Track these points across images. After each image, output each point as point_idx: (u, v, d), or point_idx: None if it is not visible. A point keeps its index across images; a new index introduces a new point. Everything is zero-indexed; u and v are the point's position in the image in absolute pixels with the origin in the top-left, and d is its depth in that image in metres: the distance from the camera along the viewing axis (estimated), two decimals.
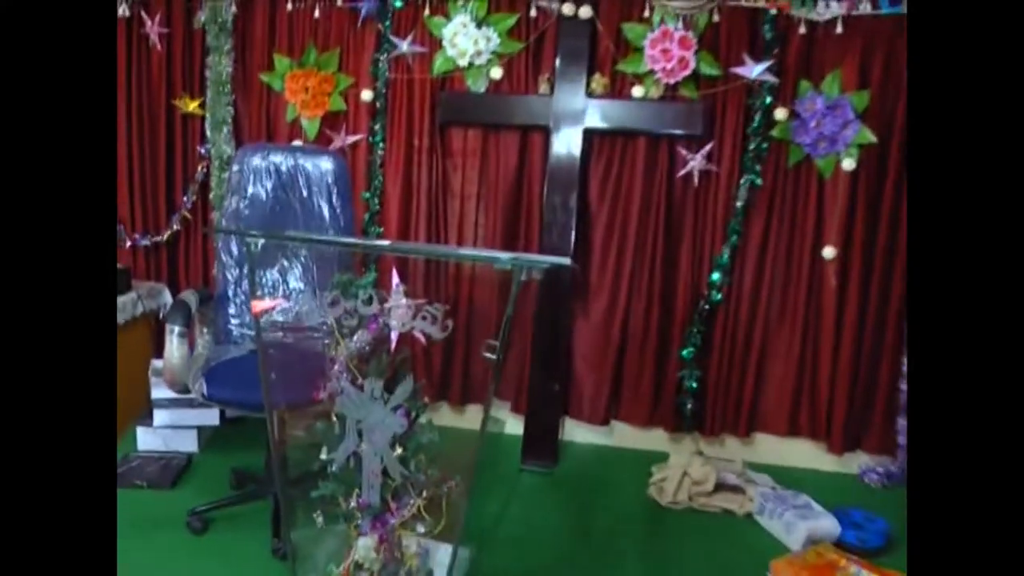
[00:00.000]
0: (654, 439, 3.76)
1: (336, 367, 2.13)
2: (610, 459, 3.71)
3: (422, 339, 2.07)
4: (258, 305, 2.24)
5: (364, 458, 2.13)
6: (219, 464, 3.32)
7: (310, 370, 2.85)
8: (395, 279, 2.10)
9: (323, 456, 2.23)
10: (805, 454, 3.66)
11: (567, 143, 3.45)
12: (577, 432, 3.84)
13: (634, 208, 3.54)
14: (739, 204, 3.45)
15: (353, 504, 2.24)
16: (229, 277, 3.06)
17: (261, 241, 2.08)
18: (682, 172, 3.48)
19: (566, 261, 1.95)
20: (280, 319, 3.06)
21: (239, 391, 2.68)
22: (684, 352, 3.59)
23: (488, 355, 2.08)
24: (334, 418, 2.24)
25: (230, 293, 3.07)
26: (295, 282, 3.08)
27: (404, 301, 2.05)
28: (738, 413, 3.66)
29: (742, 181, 3.44)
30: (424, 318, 2.00)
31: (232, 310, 3.07)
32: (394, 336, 2.09)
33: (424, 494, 2.22)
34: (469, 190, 3.67)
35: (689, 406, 3.61)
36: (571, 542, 2.97)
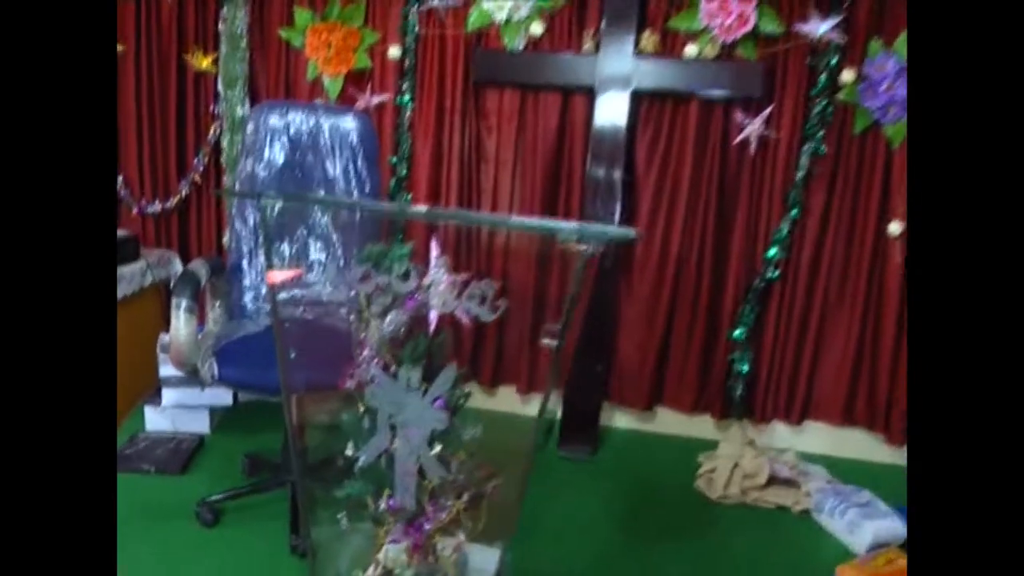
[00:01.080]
0: (700, 426, 3.42)
1: (366, 352, 1.80)
2: (653, 447, 3.37)
3: (465, 321, 1.73)
4: (275, 276, 1.92)
5: (397, 457, 1.80)
6: (232, 447, 3.01)
7: (331, 350, 2.52)
8: (434, 250, 1.76)
9: (349, 452, 1.91)
10: (860, 445, 3.32)
11: (613, 106, 3.07)
12: (617, 417, 3.50)
13: (684, 177, 3.18)
14: (800, 174, 3.08)
15: (383, 507, 1.92)
16: (243, 246, 2.72)
17: (279, 204, 1.73)
18: (738, 139, 3.11)
19: (631, 232, 1.61)
20: (299, 293, 2.72)
21: (254, 372, 2.34)
22: (736, 333, 3.24)
23: (548, 341, 1.74)
24: (360, 408, 1.92)
25: (244, 264, 2.73)
26: (315, 253, 2.74)
27: (447, 277, 1.71)
28: (791, 399, 3.32)
29: (804, 149, 3.07)
30: (471, 297, 1.66)
31: (247, 282, 2.74)
32: (433, 317, 1.75)
33: (465, 496, 1.90)
34: (505, 155, 3.30)
35: (739, 391, 3.27)
36: (615, 539, 2.64)
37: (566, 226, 1.62)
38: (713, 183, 3.16)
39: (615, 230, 1.68)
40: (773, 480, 3.00)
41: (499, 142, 3.29)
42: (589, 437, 3.22)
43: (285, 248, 2.71)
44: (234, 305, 2.76)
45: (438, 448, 1.81)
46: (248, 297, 2.74)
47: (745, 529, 2.77)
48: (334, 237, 2.71)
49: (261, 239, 2.64)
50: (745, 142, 3.11)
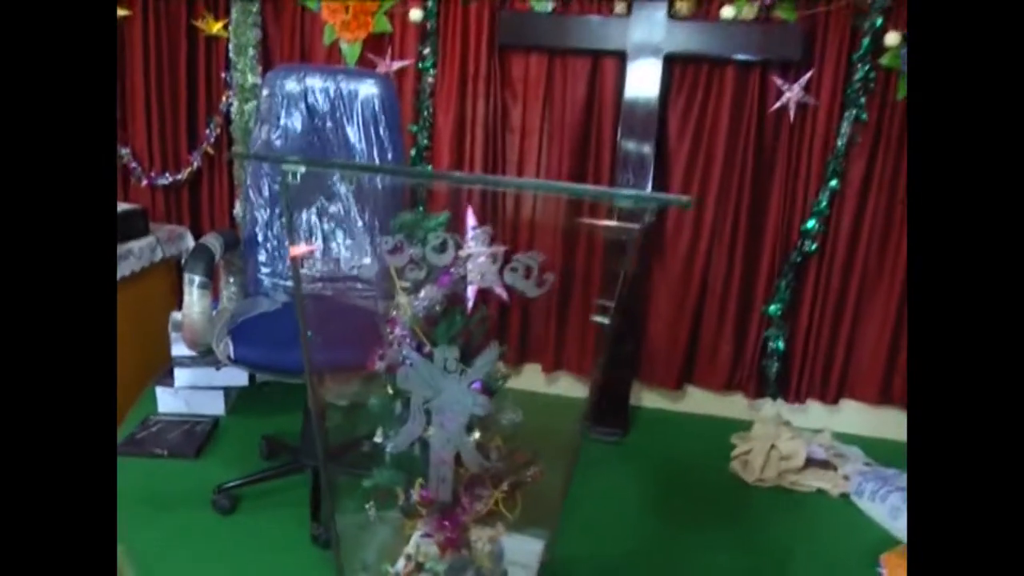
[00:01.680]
0: (731, 405, 3.25)
1: (397, 331, 1.63)
2: (684, 427, 3.20)
3: (504, 296, 1.56)
4: (297, 248, 1.74)
5: (433, 445, 1.63)
6: (248, 429, 2.84)
7: (353, 328, 2.37)
8: (470, 220, 1.58)
9: (378, 439, 1.74)
10: (898, 425, 3.14)
11: (645, 71, 2.87)
12: (645, 396, 3.33)
13: (719, 146, 2.99)
14: (840, 142, 2.89)
15: (414, 498, 1.76)
16: (259, 218, 2.55)
17: (301, 170, 1.56)
18: (776, 105, 2.92)
19: (685, 199, 1.44)
20: (318, 268, 2.55)
21: (272, 352, 2.18)
22: (771, 308, 3.06)
23: (600, 319, 1.57)
24: (389, 390, 1.75)
25: (260, 237, 2.56)
26: (334, 226, 2.56)
27: (486, 248, 1.54)
28: (827, 378, 3.14)
29: (845, 116, 2.88)
30: (514, 269, 1.48)
31: (262, 257, 2.57)
32: (471, 292, 1.58)
33: (504, 485, 1.74)
34: (531, 123, 3.10)
35: (774, 369, 3.10)
36: (650, 525, 2.49)
37: (622, 191, 1.45)
38: (749, 152, 2.97)
39: (672, 197, 1.51)
40: (809, 462, 2.84)
41: (525, 110, 3.10)
42: (619, 419, 3.05)
43: (303, 220, 2.54)
44: (249, 281, 2.59)
45: (476, 435, 1.65)
46: (264, 272, 2.57)
47: (783, 514, 2.62)
48: (354, 210, 2.54)
49: (281, 210, 2.46)
50: (783, 109, 2.92)
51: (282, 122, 2.50)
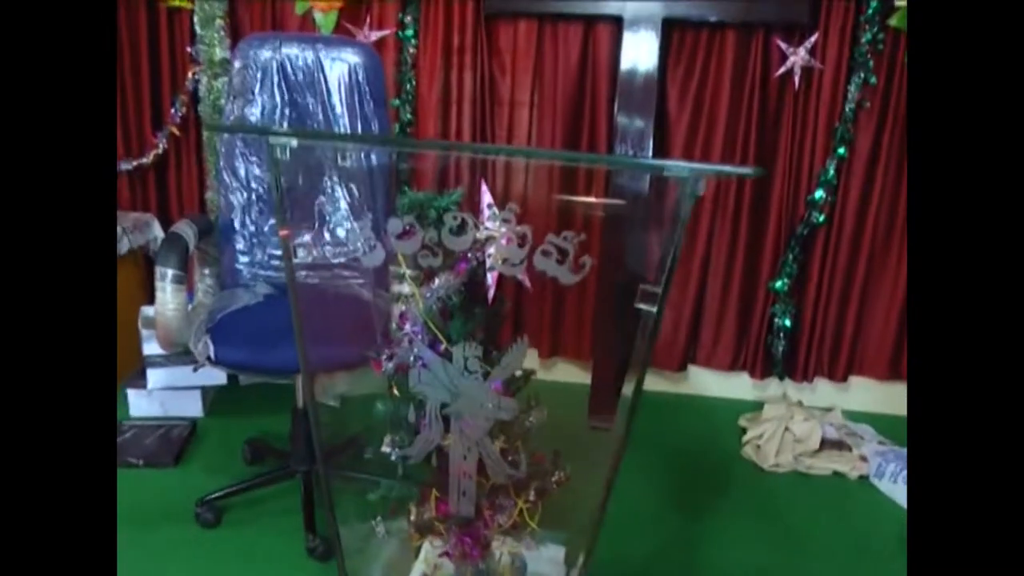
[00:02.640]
0: (736, 386, 3.06)
1: (408, 327, 1.39)
2: (689, 411, 3.00)
3: (527, 284, 1.33)
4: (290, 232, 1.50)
5: (452, 454, 1.40)
6: (230, 432, 2.59)
7: (346, 320, 2.14)
8: (485, 198, 1.35)
9: (385, 448, 1.51)
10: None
11: (642, 37, 2.63)
12: (648, 379, 3.11)
13: (721, 115, 2.77)
14: (848, 108, 2.69)
15: (429, 513, 1.53)
16: (235, 203, 2.28)
17: (292, 143, 1.30)
18: (780, 71, 2.71)
19: (748, 170, 1.22)
20: (303, 255, 2.29)
21: (258, 352, 1.92)
22: (777, 284, 2.86)
23: (644, 306, 1.35)
24: (395, 391, 1.51)
25: (236, 224, 2.30)
26: (323, 208, 2.31)
27: (507, 228, 1.30)
28: (835, 354, 2.96)
29: (852, 80, 2.68)
30: (547, 253, 1.25)
31: (240, 245, 2.30)
32: (492, 280, 1.35)
33: (531, 496, 1.51)
34: (521, 96, 2.86)
35: (781, 347, 2.90)
36: (670, 522, 2.28)
37: (674, 163, 1.22)
38: (752, 120, 2.76)
39: (734, 168, 1.29)
40: (823, 443, 2.66)
41: (514, 82, 2.85)
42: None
43: (292, 202, 2.27)
44: (226, 271, 2.33)
45: (501, 441, 1.43)
46: (243, 261, 2.30)
47: (803, 499, 2.43)
48: (340, 190, 2.28)
49: (270, 188, 2.20)
50: (788, 74, 2.71)
51: (257, 96, 2.23)
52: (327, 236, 2.15)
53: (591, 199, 2.84)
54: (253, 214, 2.30)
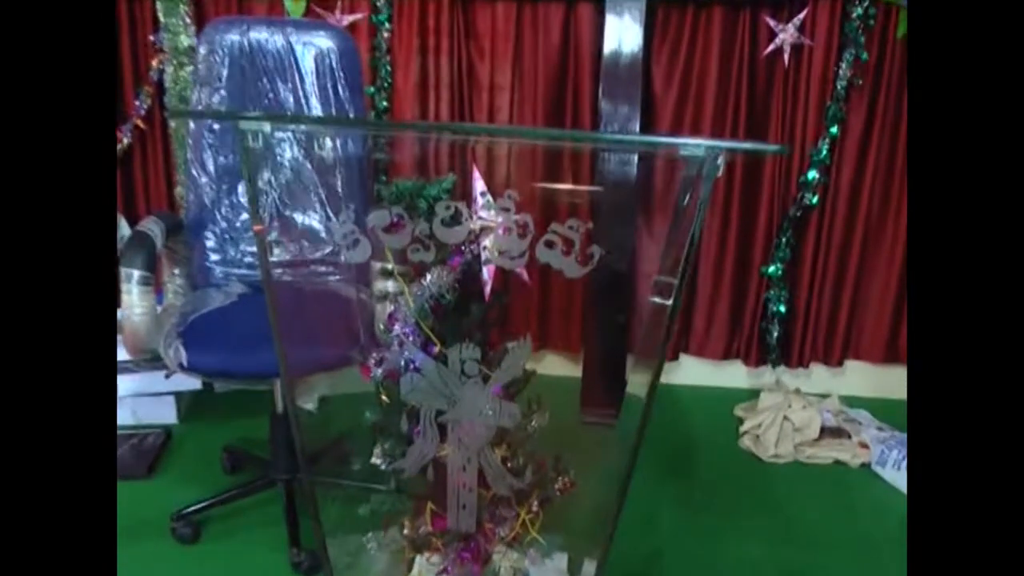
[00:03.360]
0: (730, 374, 2.95)
1: (398, 328, 1.25)
2: (682, 401, 2.88)
3: (525, 277, 1.21)
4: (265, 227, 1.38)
5: (451, 466, 1.28)
6: (206, 439, 2.43)
7: (326, 319, 2.00)
8: (478, 184, 1.22)
9: (376, 460, 1.38)
10: (904, 384, 2.88)
11: (625, 16, 2.50)
12: (639, 371, 3.00)
13: (708, 96, 2.65)
14: (840, 85, 2.58)
15: (425, 527, 1.40)
16: (205, 198, 2.13)
17: (265, 128, 1.17)
18: (769, 49, 2.59)
19: (771, 147, 1.11)
20: (279, 253, 2.15)
21: (234, 356, 1.78)
22: (770, 269, 2.76)
23: (657, 300, 1.23)
24: (384, 398, 1.38)
25: (207, 220, 2.14)
26: (297, 200, 2.16)
27: (505, 218, 1.18)
28: (831, 339, 2.86)
29: (844, 56, 2.57)
30: (550, 244, 1.12)
31: (211, 242, 2.15)
32: (488, 274, 1.22)
33: (534, 506, 1.39)
34: (500, 80, 2.71)
35: (775, 334, 2.80)
36: (669, 519, 2.17)
37: (692, 140, 1.10)
38: (741, 101, 2.64)
39: (754, 144, 1.18)
40: (822, 431, 2.56)
41: (493, 66, 2.70)
42: (613, 398, 2.72)
43: (263, 194, 2.12)
44: (196, 271, 2.17)
45: (504, 449, 1.31)
46: (214, 259, 2.15)
47: (805, 490, 2.34)
48: (316, 183, 2.13)
49: (226, 188, 2.05)
50: (777, 52, 2.60)
51: (224, 83, 2.08)
52: (304, 231, 2.01)
53: (588, 188, 2.72)
54: (224, 209, 2.15)
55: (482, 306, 1.24)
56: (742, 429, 2.59)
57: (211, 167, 2.10)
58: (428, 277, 1.20)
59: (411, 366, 1.22)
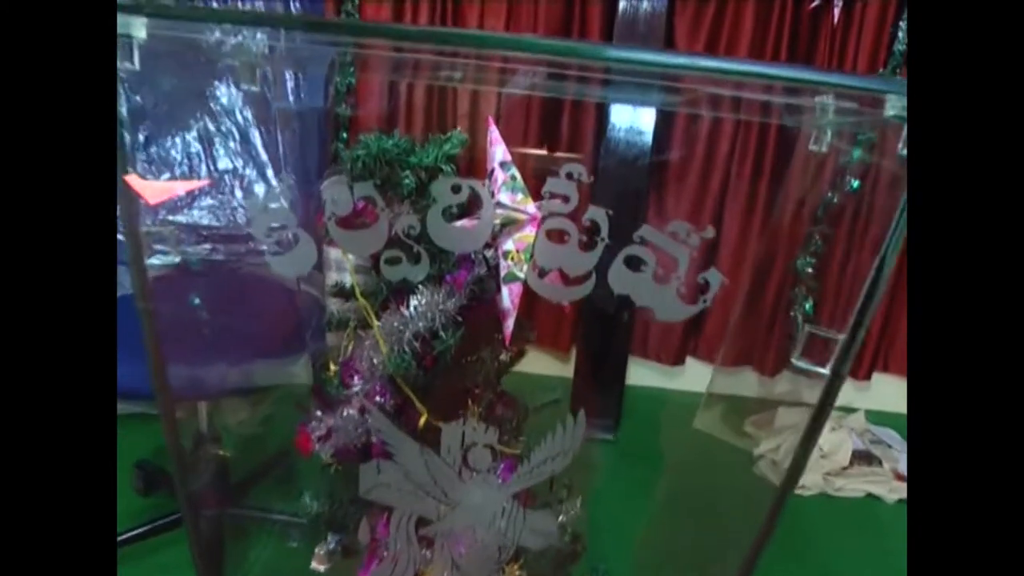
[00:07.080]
0: (742, 382, 2.48)
1: (358, 384, 0.73)
2: (686, 412, 2.39)
3: (565, 304, 0.72)
4: (147, 188, 0.85)
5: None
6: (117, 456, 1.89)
7: (261, 315, 1.49)
8: (497, 149, 0.70)
9: (318, 564, 0.87)
10: None
11: None
12: (637, 373, 2.51)
13: (739, 55, 2.14)
14: (898, 50, 2.09)
15: None
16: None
17: (141, 35, 0.63)
18: (815, 2, 2.09)
19: None
20: (203, 220, 1.60)
21: (130, 368, 1.25)
22: (797, 263, 2.28)
23: (824, 333, 0.74)
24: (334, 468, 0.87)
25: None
26: (230, 158, 1.61)
27: (535, 209, 0.66)
28: (862, 347, 2.40)
29: (904, 17, 2.07)
30: (636, 263, 0.61)
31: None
32: (510, 301, 0.71)
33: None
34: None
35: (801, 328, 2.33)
36: (678, 558, 1.71)
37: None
38: (780, 60, 2.14)
39: None
40: (853, 457, 2.12)
41: (483, 17, 2.15)
42: (609, 407, 2.23)
43: (177, 146, 1.56)
44: None
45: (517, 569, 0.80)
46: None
47: (836, 533, 1.89)
48: (254, 132, 1.58)
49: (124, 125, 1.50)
50: (825, 6, 2.09)
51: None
52: (230, 197, 1.46)
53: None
54: (140, 165, 1.60)
55: (501, 353, 0.72)
56: (757, 452, 2.13)
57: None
58: (413, 303, 0.68)
59: (377, 447, 0.70)
